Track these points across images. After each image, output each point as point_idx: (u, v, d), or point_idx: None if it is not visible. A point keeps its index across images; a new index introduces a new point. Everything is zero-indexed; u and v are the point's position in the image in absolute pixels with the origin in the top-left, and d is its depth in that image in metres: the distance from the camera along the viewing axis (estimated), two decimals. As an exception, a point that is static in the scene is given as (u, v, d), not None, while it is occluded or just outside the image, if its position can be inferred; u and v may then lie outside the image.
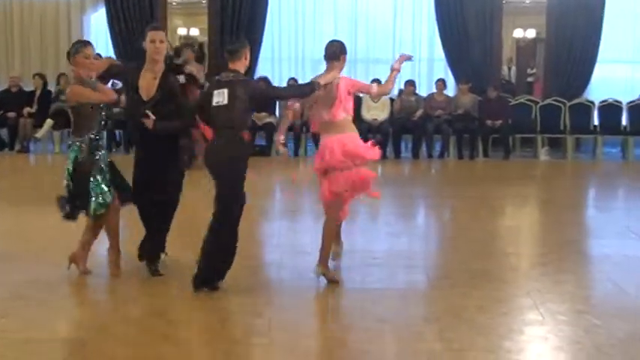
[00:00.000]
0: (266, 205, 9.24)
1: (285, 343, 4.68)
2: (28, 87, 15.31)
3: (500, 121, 13.88)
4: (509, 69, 20.04)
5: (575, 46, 15.00)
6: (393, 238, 7.55)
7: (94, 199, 5.69)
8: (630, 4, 15.38)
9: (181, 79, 5.98)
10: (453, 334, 4.72)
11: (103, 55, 15.64)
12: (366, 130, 12.85)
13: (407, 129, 13.90)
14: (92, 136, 5.74)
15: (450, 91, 14.88)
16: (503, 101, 14.54)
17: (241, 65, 5.84)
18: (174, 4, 17.85)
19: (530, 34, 20.14)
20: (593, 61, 15.08)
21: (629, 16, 15.44)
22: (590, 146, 15.03)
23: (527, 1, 18.84)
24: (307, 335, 4.85)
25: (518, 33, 20.28)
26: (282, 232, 7.95)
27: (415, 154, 13.81)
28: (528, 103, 14.85)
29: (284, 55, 15.36)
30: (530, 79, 20.15)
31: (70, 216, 5.84)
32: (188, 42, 13.86)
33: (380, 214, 8.86)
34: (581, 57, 15.03)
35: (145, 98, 5.75)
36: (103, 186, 5.74)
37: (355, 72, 15.57)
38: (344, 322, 5.19)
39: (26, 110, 14.66)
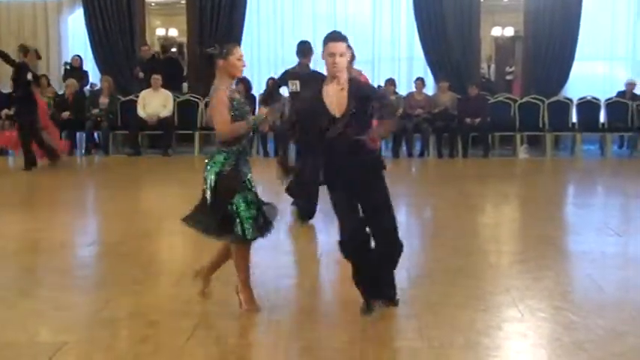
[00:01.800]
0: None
1: (267, 344, 4.69)
2: (6, 89, 15.19)
3: (479, 119, 13.95)
4: (489, 67, 20.10)
5: (553, 43, 15.09)
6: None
7: (241, 222, 4.93)
8: (607, 0, 15.48)
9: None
10: (433, 331, 4.73)
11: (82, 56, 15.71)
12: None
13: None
14: (240, 148, 5.02)
15: (430, 89, 14.94)
16: (482, 99, 14.60)
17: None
18: (152, 4, 17.76)
19: (509, 32, 20.21)
20: (571, 59, 15.19)
21: (607, 13, 15.53)
22: (568, 143, 15.14)
23: (505, 0, 18.92)
24: (288, 337, 4.84)
25: (496, 31, 20.33)
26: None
27: (395, 153, 13.84)
28: (507, 101, 14.93)
29: (263, 56, 15.32)
30: (509, 77, 20.21)
31: (219, 236, 5.10)
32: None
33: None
34: (560, 54, 15.12)
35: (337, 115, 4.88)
36: (251, 209, 4.98)
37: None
38: (323, 319, 5.17)
39: (4, 112, 14.56)
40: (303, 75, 8.10)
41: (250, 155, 5.21)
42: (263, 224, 5.04)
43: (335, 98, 4.87)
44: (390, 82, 14.16)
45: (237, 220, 4.91)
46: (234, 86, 5.14)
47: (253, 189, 5.07)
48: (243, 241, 4.98)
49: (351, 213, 4.92)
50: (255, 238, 5.02)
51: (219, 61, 4.97)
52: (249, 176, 5.05)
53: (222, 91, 4.94)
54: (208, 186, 4.98)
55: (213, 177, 4.95)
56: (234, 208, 4.92)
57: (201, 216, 5.07)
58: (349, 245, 4.89)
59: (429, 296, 5.46)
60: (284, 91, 8.64)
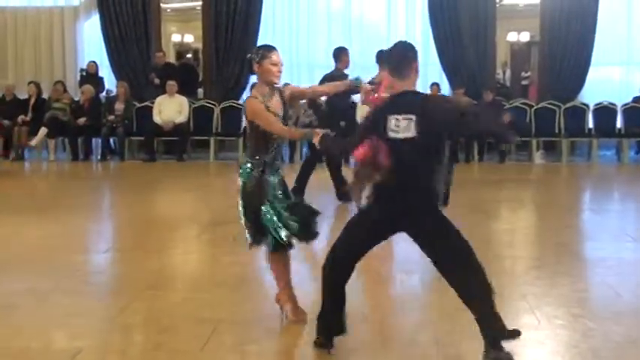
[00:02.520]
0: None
1: (278, 349, 4.67)
2: (23, 95, 15.30)
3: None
4: (504, 72, 20.09)
5: (569, 48, 15.03)
6: (387, 243, 7.51)
7: (273, 230, 4.78)
8: (623, 6, 15.41)
9: None
10: (447, 338, 4.70)
11: (98, 62, 15.78)
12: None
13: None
14: (267, 160, 4.83)
15: (445, 94, 14.90)
16: (499, 105, 14.54)
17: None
18: (168, 10, 17.88)
19: (524, 37, 20.20)
20: (588, 64, 15.13)
21: (623, 19, 15.46)
22: (585, 149, 15.07)
23: (521, 5, 18.90)
24: (304, 343, 4.82)
25: (512, 36, 20.33)
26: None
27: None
28: (523, 106, 14.87)
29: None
30: (524, 83, 20.20)
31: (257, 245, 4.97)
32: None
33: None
34: (576, 60, 15.06)
35: None
36: (274, 219, 4.78)
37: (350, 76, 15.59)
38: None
39: (21, 118, 14.66)
40: (337, 79, 8.29)
41: (281, 162, 5.04)
42: (300, 231, 4.84)
43: None
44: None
45: (268, 229, 4.80)
46: (275, 93, 4.87)
47: (283, 196, 4.89)
48: (275, 249, 4.85)
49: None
50: (287, 245, 4.84)
51: (255, 66, 4.81)
52: (275, 184, 4.86)
53: (255, 100, 4.78)
54: (239, 194, 4.86)
55: (240, 186, 4.84)
56: (262, 217, 4.79)
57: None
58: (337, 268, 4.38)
59: (444, 302, 5.41)
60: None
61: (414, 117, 4.04)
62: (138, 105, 15.13)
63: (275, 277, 5.02)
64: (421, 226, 4.17)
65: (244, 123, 4.98)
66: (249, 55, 4.88)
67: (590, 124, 14.65)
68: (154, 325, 5.01)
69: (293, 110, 7.59)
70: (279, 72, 4.85)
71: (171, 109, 14.55)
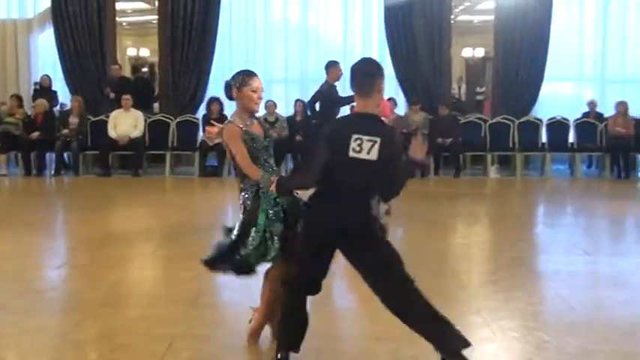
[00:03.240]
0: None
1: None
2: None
3: (450, 139, 14.03)
4: (459, 87, 20.29)
5: (522, 64, 15.27)
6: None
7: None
8: (575, 23, 15.69)
9: None
10: (405, 352, 4.71)
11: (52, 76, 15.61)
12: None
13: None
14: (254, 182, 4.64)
15: (401, 109, 15.01)
16: (454, 119, 14.70)
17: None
18: (123, 24, 17.76)
19: (479, 53, 20.44)
20: (541, 79, 15.37)
21: (574, 35, 15.74)
22: (538, 163, 15.28)
23: (476, 21, 19.13)
24: (250, 358, 4.80)
25: (467, 52, 20.55)
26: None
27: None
28: (478, 121, 15.04)
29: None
30: (479, 98, 20.42)
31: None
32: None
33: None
34: (529, 75, 15.30)
35: None
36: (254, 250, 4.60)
37: (307, 92, 15.63)
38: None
39: None
40: (322, 92, 9.48)
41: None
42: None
43: None
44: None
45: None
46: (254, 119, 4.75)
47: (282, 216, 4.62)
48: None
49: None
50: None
51: (235, 92, 4.68)
52: (274, 199, 4.59)
53: (233, 125, 4.65)
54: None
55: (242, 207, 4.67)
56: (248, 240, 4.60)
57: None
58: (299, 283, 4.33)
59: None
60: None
61: (378, 140, 4.01)
62: (92, 119, 14.98)
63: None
64: (355, 248, 4.16)
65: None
66: (227, 81, 4.76)
67: (544, 138, 14.86)
68: (108, 342, 4.94)
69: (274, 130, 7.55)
70: (260, 99, 4.73)
71: (126, 123, 14.43)
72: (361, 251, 4.16)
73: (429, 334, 4.17)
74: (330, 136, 4.18)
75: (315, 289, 4.35)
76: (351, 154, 4.03)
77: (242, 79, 4.69)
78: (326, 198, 4.15)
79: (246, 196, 4.63)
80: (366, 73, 4.19)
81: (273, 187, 4.42)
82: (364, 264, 4.19)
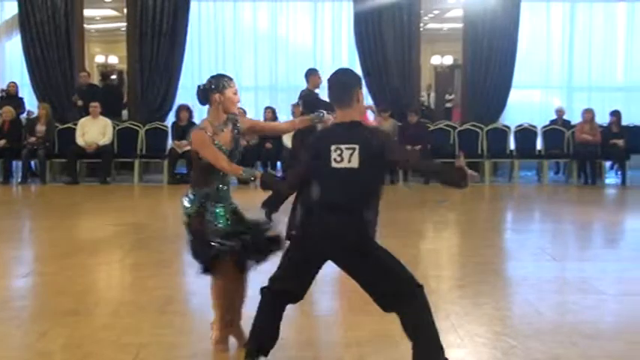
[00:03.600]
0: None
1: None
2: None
3: (419, 146, 14.08)
4: (429, 95, 20.43)
5: (490, 72, 15.39)
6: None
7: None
8: (542, 31, 15.86)
9: None
10: (373, 358, 4.71)
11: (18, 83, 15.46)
12: (288, 156, 12.90)
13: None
14: (209, 192, 4.70)
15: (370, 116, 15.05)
16: (423, 127, 14.78)
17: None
18: (92, 31, 17.64)
19: (448, 61, 20.59)
20: (509, 87, 15.50)
21: (542, 43, 15.91)
22: (506, 170, 15.40)
23: (444, 29, 19.28)
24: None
25: (436, 60, 20.70)
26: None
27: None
28: (447, 128, 15.13)
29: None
30: (448, 105, 20.58)
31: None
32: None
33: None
34: (497, 83, 15.43)
35: None
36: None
37: (276, 99, 15.66)
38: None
39: None
40: (304, 97, 9.83)
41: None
42: (251, 253, 4.72)
43: None
44: (330, 108, 14.23)
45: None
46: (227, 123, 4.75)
47: (229, 221, 4.71)
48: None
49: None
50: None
51: (215, 96, 4.66)
52: (221, 214, 4.69)
53: (201, 131, 4.65)
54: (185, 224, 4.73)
55: (185, 218, 4.72)
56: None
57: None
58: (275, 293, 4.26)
59: (371, 324, 5.44)
60: None
61: (357, 146, 3.99)
62: (60, 127, 14.84)
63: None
64: (349, 258, 4.12)
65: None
66: (204, 85, 4.71)
67: (512, 145, 14.99)
68: (75, 351, 4.89)
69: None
70: (239, 101, 4.79)
71: (94, 130, 14.34)
72: (358, 263, 4.11)
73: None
74: (312, 148, 4.18)
75: (299, 299, 4.32)
76: (334, 164, 4.01)
77: (223, 82, 4.70)
78: (319, 210, 4.09)
79: (188, 206, 4.68)
80: (343, 84, 4.16)
81: (257, 182, 4.47)
82: (363, 276, 4.13)
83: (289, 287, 4.23)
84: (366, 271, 4.10)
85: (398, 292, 4.07)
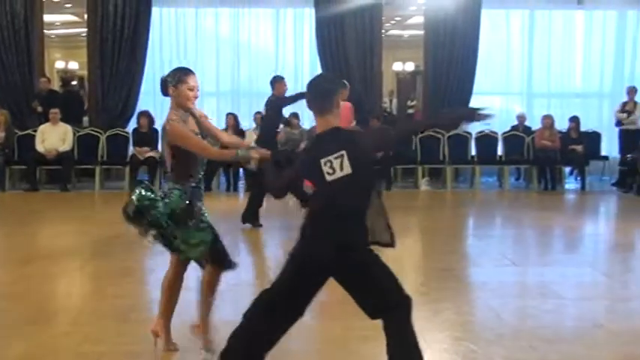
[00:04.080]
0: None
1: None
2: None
3: (381, 153, 14.12)
4: (391, 101, 20.50)
5: (452, 78, 15.52)
6: (276, 271, 7.52)
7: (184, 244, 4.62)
8: (503, 38, 16.02)
9: None
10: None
11: None
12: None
13: (291, 161, 13.95)
14: (194, 184, 4.68)
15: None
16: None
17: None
18: (52, 36, 17.45)
19: (410, 67, 20.69)
20: (470, 93, 15.64)
21: (502, 50, 16.08)
22: (468, 176, 15.52)
23: (406, 35, 19.38)
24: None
25: (397, 66, 20.79)
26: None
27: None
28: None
29: (166, 88, 15.18)
30: (410, 111, 20.66)
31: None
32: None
33: (265, 247, 8.95)
34: (458, 89, 15.56)
35: None
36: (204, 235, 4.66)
37: (238, 105, 15.62)
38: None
39: None
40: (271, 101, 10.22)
41: (204, 190, 4.84)
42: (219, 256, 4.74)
43: None
44: (294, 115, 14.24)
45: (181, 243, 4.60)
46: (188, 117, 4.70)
47: (207, 220, 4.71)
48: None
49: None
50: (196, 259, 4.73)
51: (171, 89, 4.64)
52: (203, 209, 4.71)
53: (178, 123, 4.58)
54: (163, 222, 4.53)
55: (167, 215, 4.53)
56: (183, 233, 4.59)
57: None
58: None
59: (332, 330, 5.46)
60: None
61: (344, 152, 3.89)
62: (19, 133, 14.66)
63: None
64: (353, 267, 3.98)
65: (160, 149, 4.54)
66: (163, 77, 4.72)
67: (473, 151, 15.11)
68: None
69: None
70: (196, 97, 4.69)
71: (54, 137, 14.19)
72: (358, 273, 3.98)
73: None
74: (302, 169, 4.13)
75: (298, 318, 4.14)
76: (328, 178, 3.90)
77: (179, 77, 4.65)
78: (322, 223, 3.96)
79: (178, 199, 4.56)
80: (325, 91, 4.04)
81: (254, 162, 4.48)
82: (357, 284, 4.02)
83: (294, 309, 4.09)
84: (360, 281, 4.00)
85: (386, 302, 4.02)
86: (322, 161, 3.89)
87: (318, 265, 3.94)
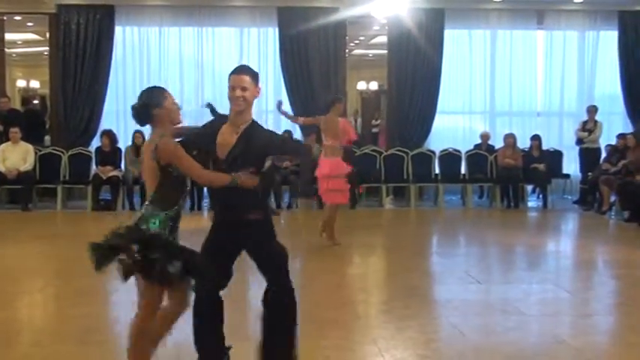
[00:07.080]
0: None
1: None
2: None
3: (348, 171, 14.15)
4: (355, 120, 20.60)
5: (415, 97, 15.64)
6: (241, 289, 7.48)
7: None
8: (466, 58, 16.18)
9: None
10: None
11: None
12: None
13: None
14: (177, 210, 4.39)
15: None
16: (349, 151, 14.84)
17: None
18: (13, 55, 17.28)
19: (374, 86, 20.82)
20: (433, 112, 15.76)
21: (465, 70, 16.23)
22: (432, 194, 15.60)
23: (370, 55, 19.52)
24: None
25: (361, 85, 20.91)
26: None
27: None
28: (373, 153, 15.26)
29: (129, 107, 15.06)
30: (375, 130, 20.78)
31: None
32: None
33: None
34: (422, 108, 15.68)
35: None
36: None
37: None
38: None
39: None
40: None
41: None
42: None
43: (225, 138, 4.54)
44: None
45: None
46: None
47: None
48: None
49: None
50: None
51: (156, 110, 4.33)
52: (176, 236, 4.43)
53: (170, 139, 4.34)
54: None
55: (152, 234, 4.24)
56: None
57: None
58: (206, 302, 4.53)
59: (300, 349, 5.43)
60: None
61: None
62: (-21, 153, 14.47)
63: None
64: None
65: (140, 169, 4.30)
66: (138, 104, 4.39)
67: (437, 169, 15.21)
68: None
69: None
70: (179, 108, 4.52)
71: (15, 156, 14.02)
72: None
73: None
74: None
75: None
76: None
77: (161, 95, 4.42)
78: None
79: (156, 223, 4.25)
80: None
81: (252, 182, 4.45)
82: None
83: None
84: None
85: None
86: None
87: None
